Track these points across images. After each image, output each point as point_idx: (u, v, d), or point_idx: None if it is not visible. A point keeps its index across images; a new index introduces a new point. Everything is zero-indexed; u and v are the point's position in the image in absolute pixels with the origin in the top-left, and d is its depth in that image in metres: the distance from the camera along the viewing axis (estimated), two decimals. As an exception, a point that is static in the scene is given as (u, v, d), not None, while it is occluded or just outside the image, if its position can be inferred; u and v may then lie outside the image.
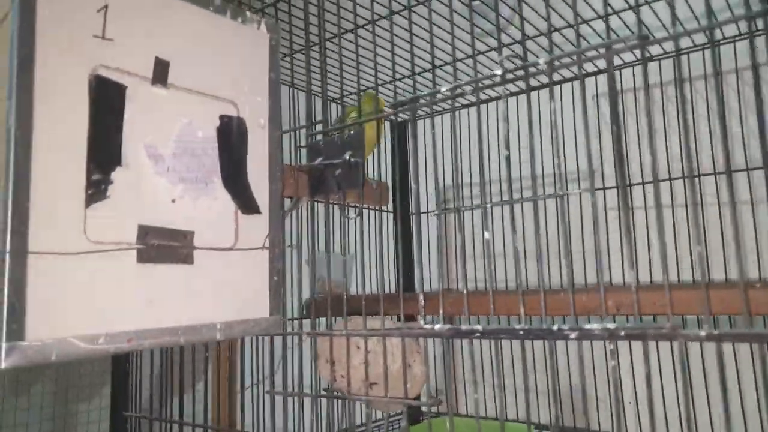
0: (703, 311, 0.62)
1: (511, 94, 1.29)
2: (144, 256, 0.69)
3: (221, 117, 0.78)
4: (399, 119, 1.68)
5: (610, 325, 0.55)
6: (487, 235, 0.61)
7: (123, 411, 1.20)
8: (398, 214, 1.62)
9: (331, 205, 0.83)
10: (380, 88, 1.39)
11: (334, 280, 1.29)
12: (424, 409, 1.03)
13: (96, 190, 0.64)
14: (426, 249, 1.63)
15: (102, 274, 0.64)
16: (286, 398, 0.82)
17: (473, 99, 1.44)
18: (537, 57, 0.88)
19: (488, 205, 0.62)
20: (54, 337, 0.60)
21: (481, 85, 0.65)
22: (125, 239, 0.67)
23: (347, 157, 0.77)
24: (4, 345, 0.56)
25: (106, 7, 0.65)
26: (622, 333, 0.55)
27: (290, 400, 0.82)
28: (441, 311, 0.65)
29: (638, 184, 1.19)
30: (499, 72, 0.63)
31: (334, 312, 0.92)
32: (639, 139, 1.16)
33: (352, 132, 0.78)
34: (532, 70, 0.62)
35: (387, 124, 1.63)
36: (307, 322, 0.89)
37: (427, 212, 1.66)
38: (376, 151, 0.90)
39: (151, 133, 0.70)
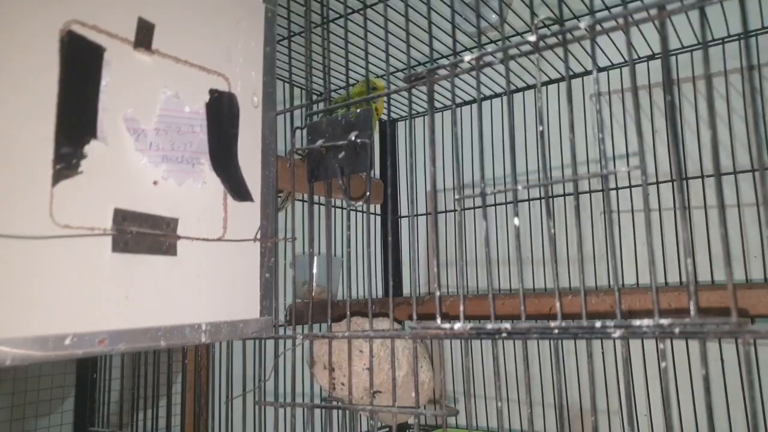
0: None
1: (550, 81, 1.20)
2: (120, 245, 0.59)
3: (211, 91, 0.70)
4: (391, 118, 1.60)
5: (663, 321, 0.47)
6: (516, 221, 0.53)
7: (89, 426, 1.09)
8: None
9: (327, 199, 0.75)
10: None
11: (320, 284, 1.20)
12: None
13: (65, 164, 0.55)
14: (411, 249, 1.55)
15: (70, 263, 0.55)
16: (277, 409, 0.73)
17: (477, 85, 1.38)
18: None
19: (519, 188, 0.54)
20: (9, 337, 0.50)
21: (511, 53, 0.58)
22: (99, 224, 0.58)
23: (353, 138, 0.69)
24: (-53, 346, 0.47)
25: (82, -47, 0.57)
26: (677, 330, 0.47)
27: (282, 411, 0.73)
28: (462, 309, 0.57)
29: (666, 181, 1.14)
30: (531, 38, 0.55)
31: (319, 318, 0.84)
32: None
33: (359, 110, 0.69)
34: (570, 36, 0.54)
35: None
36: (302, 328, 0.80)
37: (418, 215, 1.58)
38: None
39: (132, 105, 0.61)
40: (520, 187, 0.54)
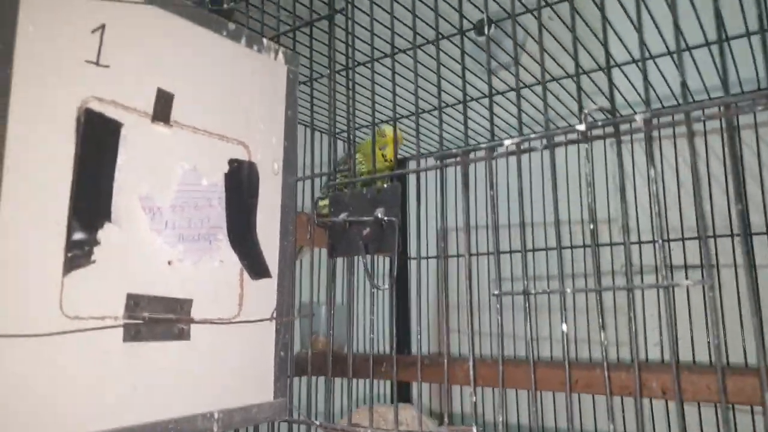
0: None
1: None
2: (132, 333, 0.55)
3: (230, 161, 0.66)
4: (402, 156, 1.57)
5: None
6: (564, 327, 0.49)
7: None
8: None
9: (349, 277, 0.71)
10: (404, 121, 1.28)
11: (328, 336, 1.15)
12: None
13: (78, 252, 0.51)
14: (425, 298, 1.51)
15: (78, 358, 0.51)
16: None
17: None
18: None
19: (568, 291, 0.51)
20: (10, 445, 0.46)
21: (555, 141, 0.54)
22: (110, 312, 0.53)
23: (378, 215, 0.65)
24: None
25: (103, 27, 0.53)
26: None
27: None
28: (502, 419, 0.53)
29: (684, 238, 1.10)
30: (581, 127, 0.52)
31: (333, 372, 0.79)
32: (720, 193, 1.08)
33: (386, 185, 0.66)
34: (624, 127, 0.51)
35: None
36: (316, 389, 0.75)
37: (427, 257, 1.54)
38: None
39: (149, 182, 0.57)
40: (568, 290, 0.51)
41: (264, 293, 0.68)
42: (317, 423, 0.66)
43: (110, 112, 0.54)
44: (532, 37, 1.03)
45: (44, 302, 0.49)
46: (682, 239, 1.14)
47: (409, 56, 0.77)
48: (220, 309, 0.64)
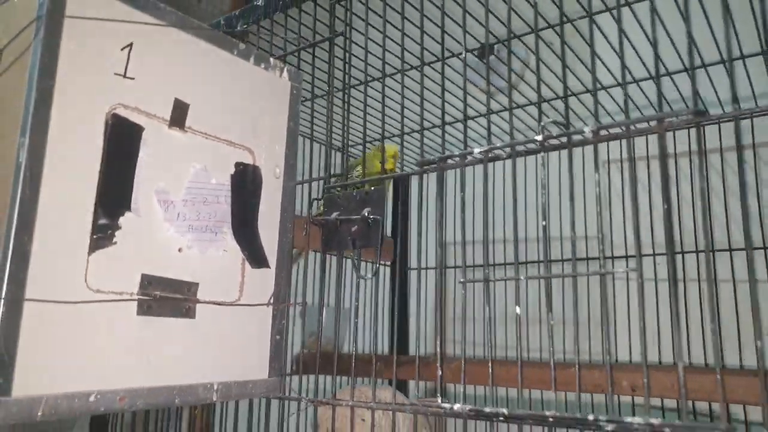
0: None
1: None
2: (144, 308, 0.64)
3: (237, 164, 0.75)
4: (403, 170, 1.66)
5: (654, 420, 0.51)
6: (518, 309, 0.57)
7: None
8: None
9: (342, 258, 0.79)
10: (397, 138, 1.36)
11: (327, 335, 1.23)
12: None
13: (102, 235, 0.60)
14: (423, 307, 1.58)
15: (99, 325, 0.59)
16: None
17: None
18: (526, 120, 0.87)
19: (522, 279, 0.59)
20: (42, 393, 0.54)
21: (518, 149, 0.63)
22: (127, 289, 0.62)
23: (366, 214, 0.73)
24: (-13, 401, 0.51)
25: (130, 45, 0.62)
26: (667, 430, 0.51)
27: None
28: (464, 386, 0.61)
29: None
30: (538, 137, 0.60)
31: (325, 370, 0.87)
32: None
33: (373, 188, 0.74)
34: (576, 137, 0.59)
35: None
36: (307, 382, 0.83)
37: (428, 268, 1.62)
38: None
39: (164, 178, 0.66)
40: (522, 278, 0.59)
41: (262, 281, 0.77)
42: (307, 398, 0.74)
43: (134, 118, 0.63)
44: (499, 76, 1.11)
45: (73, 276, 0.58)
46: (673, 252, 1.20)
47: (402, 78, 0.85)
48: (223, 293, 0.72)
